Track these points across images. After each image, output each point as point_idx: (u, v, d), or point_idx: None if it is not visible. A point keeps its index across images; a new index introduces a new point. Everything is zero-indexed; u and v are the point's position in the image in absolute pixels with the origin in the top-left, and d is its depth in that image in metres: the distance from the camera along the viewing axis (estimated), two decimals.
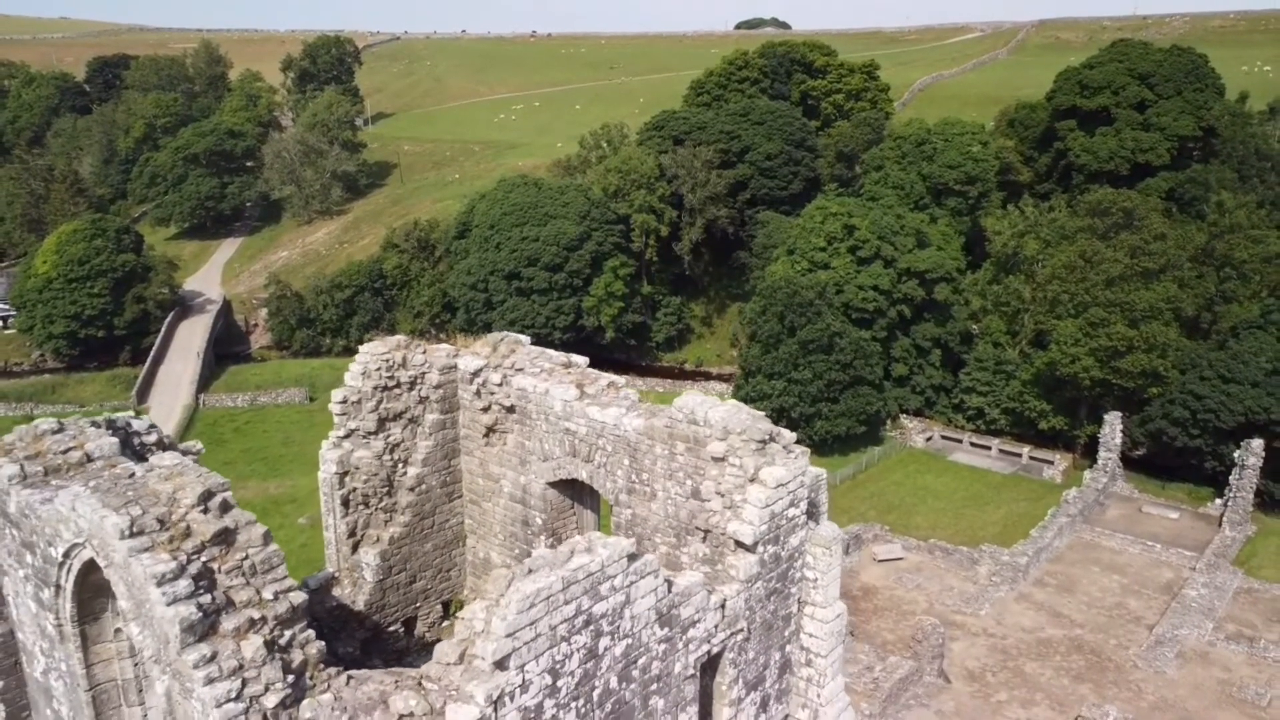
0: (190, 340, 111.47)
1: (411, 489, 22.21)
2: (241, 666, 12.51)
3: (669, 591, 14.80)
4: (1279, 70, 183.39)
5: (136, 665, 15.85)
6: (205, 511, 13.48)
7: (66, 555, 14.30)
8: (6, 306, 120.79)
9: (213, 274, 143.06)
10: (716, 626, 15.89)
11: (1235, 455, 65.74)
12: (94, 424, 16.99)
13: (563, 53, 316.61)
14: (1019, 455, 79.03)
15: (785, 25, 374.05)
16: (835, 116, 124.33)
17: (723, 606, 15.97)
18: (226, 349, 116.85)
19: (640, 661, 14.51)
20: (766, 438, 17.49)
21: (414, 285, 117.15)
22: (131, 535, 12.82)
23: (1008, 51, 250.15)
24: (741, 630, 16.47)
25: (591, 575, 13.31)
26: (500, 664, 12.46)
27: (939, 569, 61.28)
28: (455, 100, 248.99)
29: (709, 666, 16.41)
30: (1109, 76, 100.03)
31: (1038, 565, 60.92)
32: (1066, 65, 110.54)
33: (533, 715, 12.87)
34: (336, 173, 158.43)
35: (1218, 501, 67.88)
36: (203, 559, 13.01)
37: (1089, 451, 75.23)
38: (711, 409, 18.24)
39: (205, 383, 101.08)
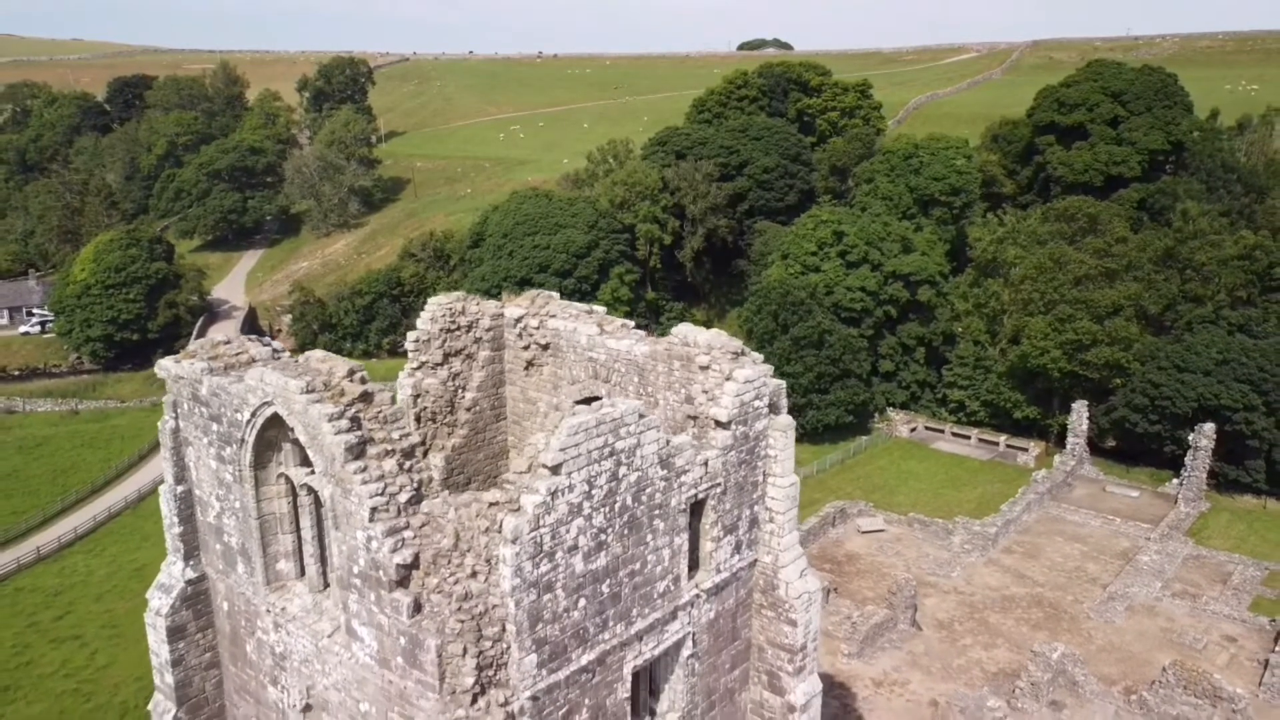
0: None
1: (468, 409, 28.42)
2: (383, 476, 18.61)
3: (667, 444, 20.89)
4: (1264, 88, 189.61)
5: (291, 503, 21.98)
6: (351, 380, 19.69)
7: (253, 415, 20.46)
8: (45, 312, 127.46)
9: (236, 283, 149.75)
10: (701, 477, 21.97)
11: (1189, 438, 71.97)
12: (250, 339, 23.26)
13: (569, 73, 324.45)
14: (996, 444, 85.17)
15: (787, 46, 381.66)
16: (830, 133, 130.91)
17: (706, 464, 22.05)
18: None
19: (647, 490, 20.58)
20: (740, 351, 23.75)
21: (430, 292, 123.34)
22: (308, 392, 19.01)
23: (1002, 71, 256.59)
24: (720, 485, 22.54)
25: (614, 420, 19.39)
26: (555, 470, 18.54)
27: (917, 539, 67.37)
28: (464, 119, 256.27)
29: (696, 510, 22.49)
30: (1085, 95, 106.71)
31: (1006, 535, 67.01)
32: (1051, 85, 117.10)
33: (575, 510, 18.94)
34: (353, 188, 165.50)
35: (1175, 481, 73.96)
36: (353, 410, 19.18)
37: (1061, 440, 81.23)
38: (700, 334, 24.50)
39: None
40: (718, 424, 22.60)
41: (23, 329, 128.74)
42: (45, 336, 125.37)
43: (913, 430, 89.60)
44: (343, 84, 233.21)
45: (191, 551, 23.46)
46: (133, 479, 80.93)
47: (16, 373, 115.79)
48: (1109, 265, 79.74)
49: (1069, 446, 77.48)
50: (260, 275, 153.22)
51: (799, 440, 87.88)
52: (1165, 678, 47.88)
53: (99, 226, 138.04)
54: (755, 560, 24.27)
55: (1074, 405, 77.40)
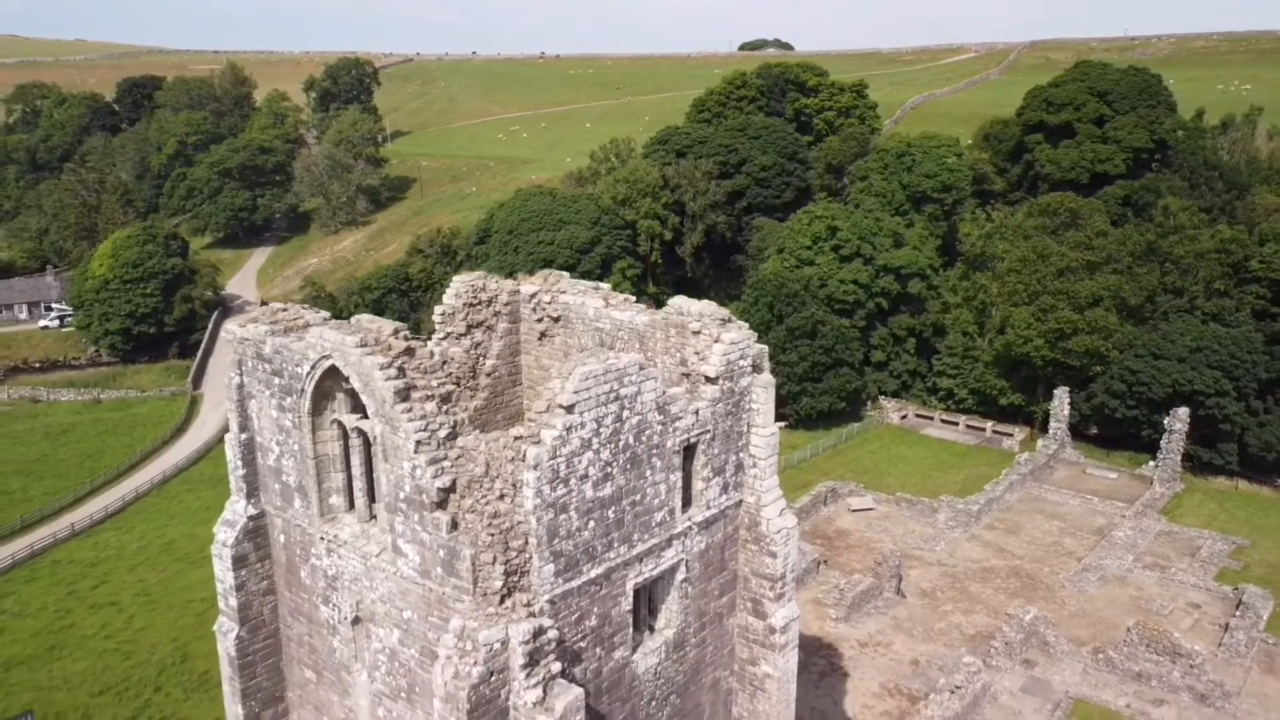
0: None
1: (488, 375, 32.00)
2: (425, 415, 22.13)
3: (664, 393, 24.46)
4: (1257, 88, 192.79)
5: (342, 445, 25.52)
6: (397, 337, 23.29)
7: (312, 368, 24.02)
8: (64, 307, 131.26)
9: (247, 279, 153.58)
10: (693, 424, 25.52)
11: (1165, 422, 75.53)
12: (303, 307, 26.89)
13: (571, 73, 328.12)
14: (983, 429, 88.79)
15: (788, 46, 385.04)
16: (826, 132, 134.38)
17: (697, 412, 25.60)
18: None
19: (647, 432, 24.11)
20: (727, 318, 27.37)
21: (437, 288, 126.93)
22: (362, 346, 22.61)
23: (999, 72, 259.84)
24: (709, 431, 26.09)
25: (619, 369, 22.92)
26: (569, 409, 22.04)
27: (904, 517, 70.98)
28: (468, 119, 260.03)
29: (689, 453, 26.02)
30: (1071, 94, 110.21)
31: (989, 513, 70.63)
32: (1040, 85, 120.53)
33: (586, 444, 22.44)
34: (361, 186, 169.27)
35: (1151, 464, 77.52)
36: (399, 361, 22.77)
37: (1045, 425, 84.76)
38: (692, 304, 28.11)
39: None
40: (707, 379, 26.21)
41: (42, 323, 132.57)
42: (64, 330, 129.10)
43: (903, 417, 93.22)
44: (349, 85, 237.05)
45: (253, 491, 27.08)
46: (156, 463, 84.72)
47: (37, 365, 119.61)
48: (1089, 258, 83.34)
49: (1051, 431, 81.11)
50: (271, 271, 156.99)
51: (794, 427, 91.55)
52: (1129, 637, 51.49)
53: (115, 223, 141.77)
54: (741, 500, 27.87)
55: (1056, 391, 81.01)
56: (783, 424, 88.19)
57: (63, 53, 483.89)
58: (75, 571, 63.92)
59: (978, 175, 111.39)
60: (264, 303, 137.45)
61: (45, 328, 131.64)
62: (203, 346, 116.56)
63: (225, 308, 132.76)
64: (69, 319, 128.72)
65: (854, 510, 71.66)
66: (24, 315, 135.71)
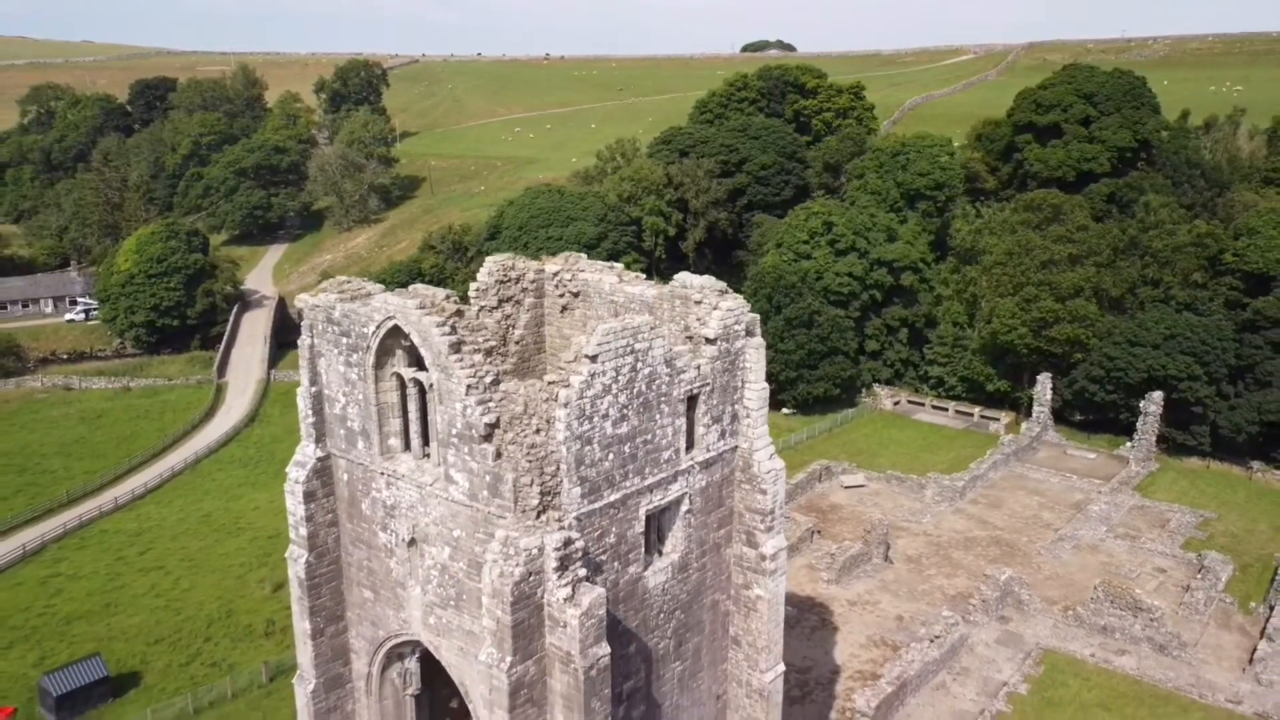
0: (254, 329, 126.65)
1: (516, 343, 36.67)
2: (474, 365, 26.76)
3: (670, 350, 29.11)
4: (1249, 89, 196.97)
5: (400, 395, 30.13)
6: (448, 301, 27.99)
7: (377, 328, 28.69)
8: (89, 301, 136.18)
9: (264, 275, 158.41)
10: (695, 378, 30.16)
11: (1141, 405, 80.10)
12: (364, 280, 31.60)
13: (575, 74, 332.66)
14: (971, 414, 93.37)
15: (790, 47, 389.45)
16: (824, 132, 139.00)
17: (698, 368, 30.25)
18: (283, 338, 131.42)
19: (656, 382, 28.74)
20: (724, 289, 32.06)
21: (449, 283, 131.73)
22: (422, 308, 27.28)
23: (997, 73, 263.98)
24: (709, 385, 30.72)
25: (634, 327, 27.52)
26: (594, 359, 26.64)
27: (893, 493, 75.54)
28: (474, 120, 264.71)
29: (692, 403, 30.66)
30: (1059, 96, 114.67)
31: (973, 489, 75.16)
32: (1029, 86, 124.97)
33: (607, 389, 27.01)
34: (373, 185, 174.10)
35: (1128, 444, 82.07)
36: (451, 321, 27.44)
37: (1030, 411, 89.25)
38: (694, 279, 32.81)
39: (273, 361, 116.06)
40: (707, 340, 30.88)
41: (68, 316, 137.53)
42: (90, 323, 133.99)
43: (896, 404, 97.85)
44: (358, 86, 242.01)
45: (320, 436, 31.76)
46: (188, 445, 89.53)
47: (65, 356, 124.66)
48: (1071, 250, 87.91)
49: (1035, 414, 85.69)
50: (286, 268, 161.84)
51: (790, 413, 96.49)
52: (1096, 594, 56.10)
53: (138, 221, 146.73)
54: (736, 446, 32.53)
55: (1039, 378, 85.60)
56: (786, 410, 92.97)
57: (71, 54, 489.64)
58: (122, 540, 68.73)
59: (970, 174, 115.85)
60: (281, 298, 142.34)
61: (71, 321, 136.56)
62: (225, 338, 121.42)
63: (245, 302, 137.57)
64: (94, 312, 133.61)
65: (846, 487, 76.25)
66: (50, 309, 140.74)
